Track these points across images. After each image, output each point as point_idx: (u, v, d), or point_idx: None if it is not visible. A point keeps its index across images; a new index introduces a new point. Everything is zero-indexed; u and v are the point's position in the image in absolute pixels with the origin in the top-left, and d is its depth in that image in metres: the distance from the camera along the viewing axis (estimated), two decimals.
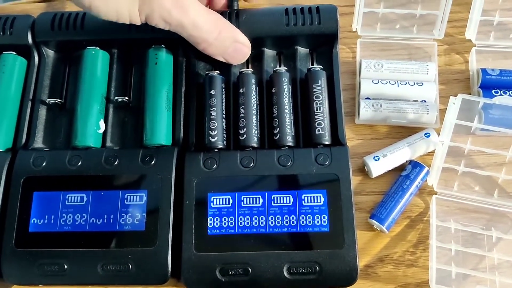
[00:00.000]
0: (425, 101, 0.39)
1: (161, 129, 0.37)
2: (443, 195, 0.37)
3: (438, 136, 0.37)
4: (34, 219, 0.35)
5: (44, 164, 0.36)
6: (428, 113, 0.38)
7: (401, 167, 0.38)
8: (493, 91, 0.39)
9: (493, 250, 0.36)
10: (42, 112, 0.39)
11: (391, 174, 0.39)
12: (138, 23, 0.33)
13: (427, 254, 0.37)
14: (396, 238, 0.38)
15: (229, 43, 0.36)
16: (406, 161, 0.38)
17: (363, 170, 0.39)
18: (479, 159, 0.39)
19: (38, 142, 0.38)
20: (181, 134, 0.38)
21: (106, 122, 0.38)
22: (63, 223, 0.35)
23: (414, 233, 0.38)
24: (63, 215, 0.35)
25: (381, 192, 0.38)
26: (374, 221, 0.37)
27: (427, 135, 0.38)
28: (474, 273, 0.35)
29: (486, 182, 0.38)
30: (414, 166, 0.38)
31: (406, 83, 0.39)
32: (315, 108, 0.37)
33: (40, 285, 0.35)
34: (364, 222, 0.38)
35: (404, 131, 0.40)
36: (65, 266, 0.34)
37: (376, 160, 0.38)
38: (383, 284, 0.37)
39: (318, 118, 0.37)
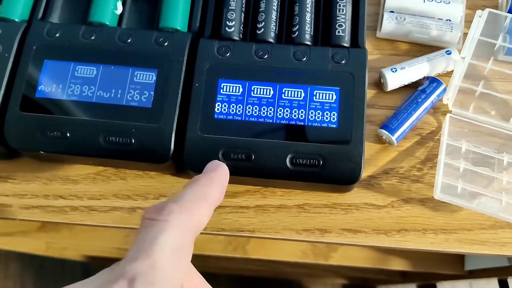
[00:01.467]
0: (450, 20, 0.38)
1: (177, 14, 0.37)
2: (458, 115, 0.36)
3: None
4: (42, 86, 0.35)
5: (58, 34, 0.36)
6: (451, 31, 0.37)
7: (417, 85, 0.37)
8: None
9: (502, 173, 0.35)
10: None
11: (406, 91, 0.38)
12: None
13: (434, 171, 0.36)
14: (404, 153, 0.37)
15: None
16: (424, 77, 0.37)
17: (379, 84, 0.38)
18: (498, 85, 0.38)
19: (54, 19, 0.38)
20: (198, 24, 0.37)
21: (124, 6, 0.38)
22: (70, 92, 0.35)
23: (423, 150, 0.37)
24: (71, 85, 0.35)
25: (394, 107, 0.37)
26: (384, 131, 0.36)
27: (448, 52, 0.37)
28: (480, 190, 0.34)
29: (503, 107, 0.37)
30: (432, 81, 0.37)
31: (433, 0, 0.38)
32: (337, 9, 0.36)
33: (41, 152, 0.35)
34: (374, 134, 0.37)
35: (425, 50, 0.38)
36: (68, 134, 0.34)
37: (393, 71, 0.37)
38: (385, 196, 0.36)
39: (339, 20, 0.36)
